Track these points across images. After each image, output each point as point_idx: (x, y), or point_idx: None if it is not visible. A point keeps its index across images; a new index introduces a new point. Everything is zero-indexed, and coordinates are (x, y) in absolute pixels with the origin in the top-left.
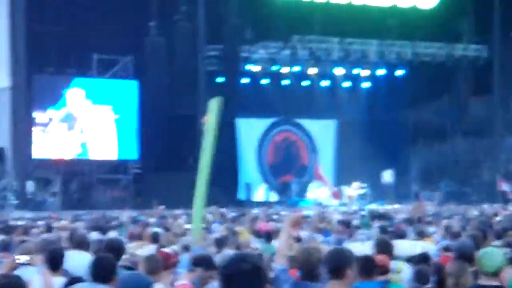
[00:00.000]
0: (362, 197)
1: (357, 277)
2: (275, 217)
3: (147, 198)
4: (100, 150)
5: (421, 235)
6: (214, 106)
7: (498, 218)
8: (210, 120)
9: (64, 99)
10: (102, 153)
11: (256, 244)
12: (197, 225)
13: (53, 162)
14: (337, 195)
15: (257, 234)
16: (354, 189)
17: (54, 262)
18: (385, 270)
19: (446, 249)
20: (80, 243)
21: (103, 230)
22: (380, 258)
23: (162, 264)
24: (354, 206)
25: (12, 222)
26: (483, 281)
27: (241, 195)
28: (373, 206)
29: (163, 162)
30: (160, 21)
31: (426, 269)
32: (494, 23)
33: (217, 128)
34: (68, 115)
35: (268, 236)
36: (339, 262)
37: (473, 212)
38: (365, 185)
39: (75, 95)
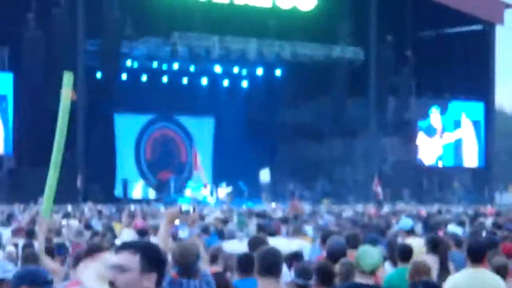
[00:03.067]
0: (239, 195)
1: (236, 274)
2: (152, 213)
3: (22, 193)
4: None
5: (297, 233)
6: (68, 80)
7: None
8: (65, 96)
9: None
10: None
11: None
12: (46, 212)
13: None
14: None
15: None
16: (222, 190)
17: None
18: None
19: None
20: None
21: None
22: None
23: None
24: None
25: None
26: (359, 279)
27: (118, 191)
28: (250, 205)
29: (38, 156)
30: (39, 13)
31: (309, 265)
32: (371, 26)
33: (70, 106)
34: None
35: (142, 232)
36: (273, 260)
37: (348, 212)
38: (230, 187)
39: None
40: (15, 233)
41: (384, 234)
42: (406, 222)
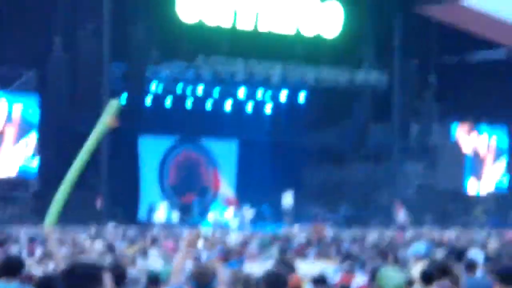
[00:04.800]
0: (262, 218)
1: None
2: (174, 237)
3: (46, 216)
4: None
5: (322, 256)
6: (115, 108)
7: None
8: (107, 122)
9: None
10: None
11: (154, 262)
12: (52, 221)
13: None
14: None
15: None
16: (246, 212)
17: None
18: None
19: (348, 270)
20: None
21: (1, 245)
22: (293, 277)
23: None
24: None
25: None
26: None
27: (142, 214)
28: (273, 228)
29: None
30: (65, 36)
31: None
32: (395, 50)
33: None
34: None
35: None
36: (277, 285)
37: (373, 236)
38: (252, 209)
39: None
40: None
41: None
42: (418, 247)
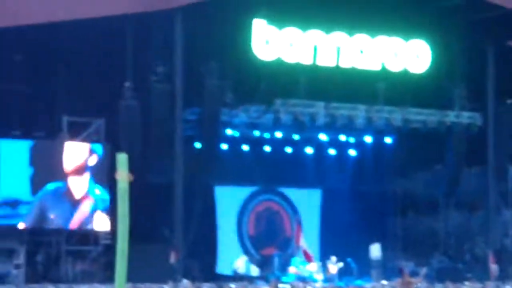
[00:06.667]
0: (348, 273)
1: None
2: None
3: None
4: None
5: None
6: (123, 161)
7: None
8: (122, 178)
9: None
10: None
11: None
12: None
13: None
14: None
15: None
16: (333, 264)
17: None
18: None
19: None
20: None
21: None
22: None
23: None
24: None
25: None
26: None
27: (220, 268)
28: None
29: (136, 232)
30: (135, 82)
31: None
32: (488, 89)
33: (129, 188)
34: None
35: None
36: None
37: None
38: (338, 262)
39: None
40: None
41: None
42: None
